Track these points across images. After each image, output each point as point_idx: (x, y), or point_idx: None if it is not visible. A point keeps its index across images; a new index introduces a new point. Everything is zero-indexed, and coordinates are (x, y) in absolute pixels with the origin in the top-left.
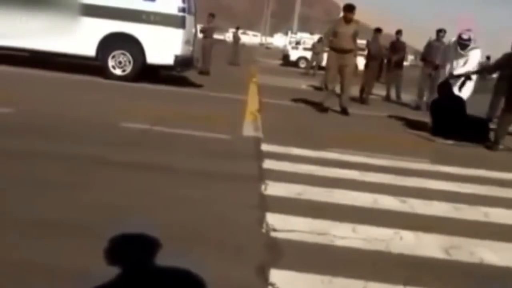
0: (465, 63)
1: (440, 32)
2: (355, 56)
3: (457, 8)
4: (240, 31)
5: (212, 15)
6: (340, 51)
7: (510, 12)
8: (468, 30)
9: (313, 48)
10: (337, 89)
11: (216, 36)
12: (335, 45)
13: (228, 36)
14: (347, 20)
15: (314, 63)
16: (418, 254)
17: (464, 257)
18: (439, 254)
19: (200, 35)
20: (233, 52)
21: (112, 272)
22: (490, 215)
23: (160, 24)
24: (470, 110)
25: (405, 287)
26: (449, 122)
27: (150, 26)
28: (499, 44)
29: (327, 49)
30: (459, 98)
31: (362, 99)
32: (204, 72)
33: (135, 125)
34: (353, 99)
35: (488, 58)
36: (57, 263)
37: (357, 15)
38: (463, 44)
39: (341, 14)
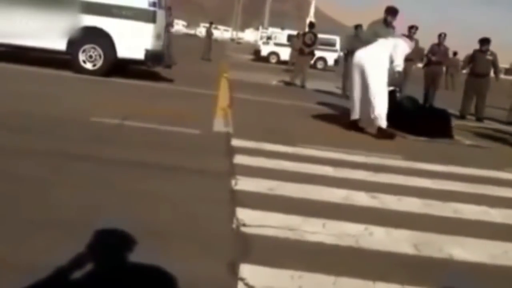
0: None
1: (412, 28)
2: None
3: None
4: (212, 26)
5: (169, 8)
6: None
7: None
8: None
9: (292, 44)
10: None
11: (187, 30)
12: None
13: (200, 31)
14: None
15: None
16: (388, 249)
17: (433, 252)
18: (408, 249)
19: None
20: (206, 47)
21: (82, 269)
22: (461, 211)
23: (131, 19)
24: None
25: (374, 282)
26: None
27: (121, 20)
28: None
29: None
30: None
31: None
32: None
33: (106, 120)
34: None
35: (455, 54)
36: (25, 260)
37: (337, 14)
38: None
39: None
